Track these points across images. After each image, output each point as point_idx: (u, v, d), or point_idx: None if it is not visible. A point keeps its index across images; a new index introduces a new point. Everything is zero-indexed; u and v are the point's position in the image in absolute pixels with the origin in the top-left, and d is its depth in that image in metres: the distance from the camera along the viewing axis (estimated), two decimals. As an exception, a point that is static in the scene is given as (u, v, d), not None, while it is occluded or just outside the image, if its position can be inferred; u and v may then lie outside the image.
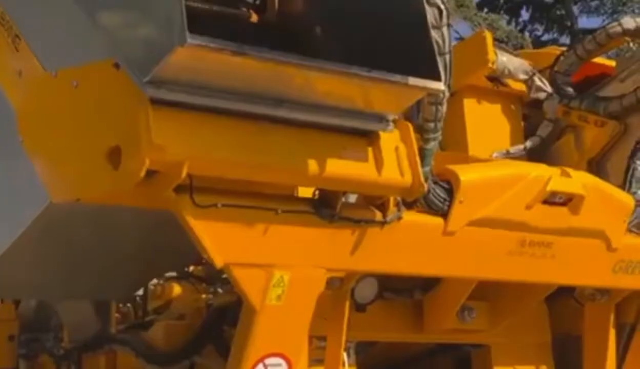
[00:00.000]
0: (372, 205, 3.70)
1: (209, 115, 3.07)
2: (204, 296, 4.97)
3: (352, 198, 3.79)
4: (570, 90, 5.32)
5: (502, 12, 25.18)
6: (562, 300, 5.06)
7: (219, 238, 3.29)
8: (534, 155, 5.26)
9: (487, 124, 5.46)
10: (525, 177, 4.18)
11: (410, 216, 3.82)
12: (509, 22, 24.98)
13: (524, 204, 4.14)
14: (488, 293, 4.71)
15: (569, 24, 25.42)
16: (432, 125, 3.74)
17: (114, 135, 3.05)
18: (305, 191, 3.67)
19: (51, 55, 3.41)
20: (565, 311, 5.15)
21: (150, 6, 2.92)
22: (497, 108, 5.52)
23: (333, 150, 3.34)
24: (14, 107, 3.58)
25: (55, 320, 5.61)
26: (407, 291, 4.63)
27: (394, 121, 3.50)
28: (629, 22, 5.19)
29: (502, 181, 4.14)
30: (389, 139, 3.51)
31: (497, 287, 4.66)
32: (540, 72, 5.37)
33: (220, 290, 4.84)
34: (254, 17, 3.81)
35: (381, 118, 3.45)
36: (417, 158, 3.58)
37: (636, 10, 22.78)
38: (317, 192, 3.58)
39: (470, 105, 5.39)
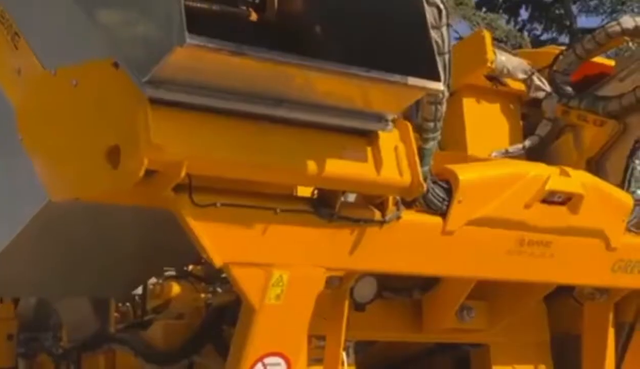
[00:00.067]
0: (371, 205, 3.70)
1: (208, 115, 3.06)
2: (203, 295, 4.98)
3: (351, 197, 3.79)
4: (569, 89, 5.32)
5: (501, 11, 25.18)
6: (561, 299, 5.06)
7: (218, 238, 3.29)
8: (533, 155, 5.27)
9: (486, 123, 5.46)
10: (524, 176, 4.18)
11: (409, 216, 3.82)
12: (508, 22, 24.98)
13: (522, 203, 4.15)
14: (487, 293, 4.71)
15: (568, 23, 25.43)
16: (431, 124, 3.74)
17: (113, 135, 3.05)
18: (304, 191, 3.67)
19: (50, 53, 3.41)
20: (564, 311, 5.15)
21: (150, 6, 2.92)
22: (496, 107, 5.52)
23: (332, 149, 3.34)
24: (13, 105, 3.58)
25: (54, 319, 5.61)
26: (406, 291, 4.63)
27: (393, 121, 3.50)
28: (628, 21, 5.20)
29: (501, 180, 4.14)
30: (388, 139, 3.51)
31: (496, 286, 4.67)
32: (539, 71, 5.37)
33: (219, 289, 4.84)
34: (254, 16, 3.80)
35: (380, 118, 3.45)
36: (416, 158, 3.58)
37: (635, 10, 22.78)
38: (316, 192, 3.58)
39: (469, 104, 5.40)
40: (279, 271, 3.44)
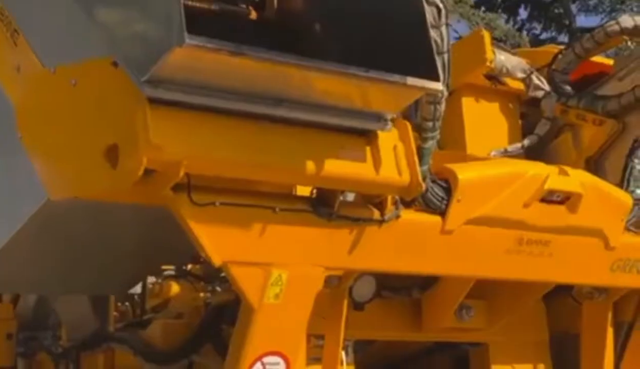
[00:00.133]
0: (370, 204, 3.70)
1: (206, 115, 3.06)
2: (202, 294, 4.98)
3: (350, 196, 3.79)
4: (568, 88, 5.32)
5: (500, 10, 25.16)
6: (560, 298, 5.06)
7: (217, 237, 3.29)
8: (531, 154, 5.27)
9: (485, 123, 5.47)
10: (523, 176, 4.18)
11: (408, 215, 3.82)
12: (507, 21, 24.96)
13: (521, 202, 4.15)
14: (486, 292, 4.71)
15: (567, 22, 25.41)
16: (430, 124, 3.74)
17: (112, 134, 3.05)
18: (303, 190, 3.67)
19: (50, 51, 3.41)
20: (563, 310, 5.15)
21: (149, 5, 2.92)
22: (495, 106, 5.53)
23: (331, 149, 3.34)
24: (12, 102, 3.58)
25: (54, 318, 5.62)
26: (405, 290, 4.63)
27: (393, 120, 3.50)
28: (627, 20, 5.20)
29: (499, 179, 4.14)
30: (387, 138, 3.51)
31: (495, 286, 4.67)
32: (538, 70, 5.37)
33: (218, 289, 4.84)
34: (254, 14, 3.80)
35: (379, 118, 3.45)
36: (415, 157, 3.58)
37: (634, 9, 22.77)
38: (315, 191, 3.58)
39: (468, 103, 5.40)
40: (277, 270, 3.44)
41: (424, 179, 3.65)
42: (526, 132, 5.49)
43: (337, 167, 3.35)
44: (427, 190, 3.78)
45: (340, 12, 3.52)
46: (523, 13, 26.35)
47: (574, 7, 25.77)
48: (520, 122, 5.63)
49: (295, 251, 3.52)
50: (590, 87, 5.38)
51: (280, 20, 3.74)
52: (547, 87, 5.33)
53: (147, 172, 3.00)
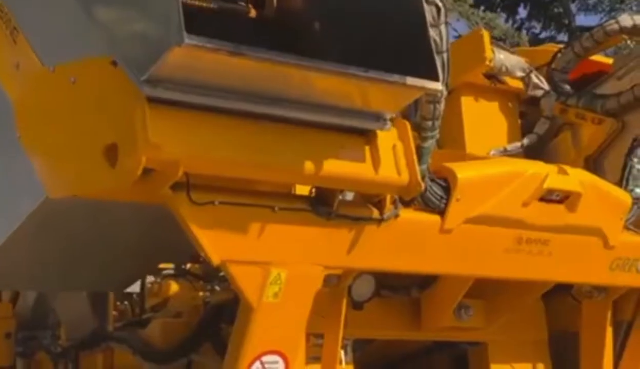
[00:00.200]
0: (369, 203, 3.70)
1: (205, 114, 3.06)
2: (201, 293, 4.99)
3: (349, 196, 3.79)
4: (567, 87, 5.33)
5: (499, 9, 25.15)
6: (559, 297, 5.06)
7: (216, 236, 3.29)
8: (531, 153, 5.27)
9: (484, 122, 5.47)
10: (522, 175, 4.18)
11: (408, 214, 3.81)
12: (506, 20, 24.95)
13: (520, 201, 4.14)
14: (485, 291, 4.71)
15: (566, 21, 25.39)
16: (429, 123, 3.73)
17: (111, 132, 3.05)
18: (303, 189, 3.67)
19: (49, 50, 3.40)
20: (562, 309, 5.15)
21: (148, 4, 2.92)
22: (494, 105, 5.53)
23: (331, 148, 3.34)
24: (11, 100, 3.58)
25: (53, 318, 5.62)
26: (404, 289, 4.63)
27: (392, 120, 3.50)
28: (626, 19, 5.20)
29: (499, 178, 4.14)
30: (387, 137, 3.51)
31: (494, 285, 4.66)
32: (537, 69, 5.37)
33: (217, 288, 4.85)
34: (253, 13, 3.80)
35: (379, 117, 3.44)
36: (414, 157, 3.57)
37: (634, 8, 22.75)
38: (314, 190, 3.58)
39: (467, 102, 5.40)
40: (276, 269, 3.44)
41: (423, 178, 3.65)
42: (525, 131, 5.49)
43: (336, 167, 3.35)
44: (426, 189, 3.78)
45: (340, 11, 3.51)
46: (522, 12, 26.33)
47: (573, 6, 25.75)
48: (519, 121, 5.63)
49: (294, 250, 3.52)
50: (589, 86, 5.38)
51: (279, 19, 3.73)
52: (546, 86, 5.33)
53: (146, 171, 3.00)
